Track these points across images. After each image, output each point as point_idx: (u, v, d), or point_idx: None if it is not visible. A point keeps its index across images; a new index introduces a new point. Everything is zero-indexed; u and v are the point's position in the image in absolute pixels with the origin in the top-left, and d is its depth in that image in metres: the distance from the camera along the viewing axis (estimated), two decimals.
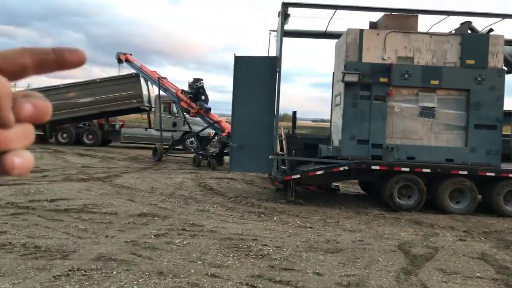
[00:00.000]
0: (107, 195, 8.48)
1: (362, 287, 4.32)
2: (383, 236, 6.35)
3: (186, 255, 5.03)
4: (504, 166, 8.84)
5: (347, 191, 11.11)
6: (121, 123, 22.48)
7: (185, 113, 16.26)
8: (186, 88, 15.67)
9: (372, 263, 5.05)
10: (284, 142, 9.89)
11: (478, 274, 4.83)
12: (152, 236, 5.72)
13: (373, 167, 8.58)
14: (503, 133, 9.10)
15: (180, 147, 17.25)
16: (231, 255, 5.10)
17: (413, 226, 7.17)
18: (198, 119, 16.01)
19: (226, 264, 4.82)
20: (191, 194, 9.19)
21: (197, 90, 15.29)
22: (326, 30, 11.20)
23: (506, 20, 9.34)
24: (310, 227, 6.72)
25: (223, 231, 6.20)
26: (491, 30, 9.36)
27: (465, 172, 8.47)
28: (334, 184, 10.65)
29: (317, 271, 4.71)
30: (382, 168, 8.57)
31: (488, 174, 8.48)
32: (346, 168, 8.65)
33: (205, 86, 15.53)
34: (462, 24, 9.67)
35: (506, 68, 9.67)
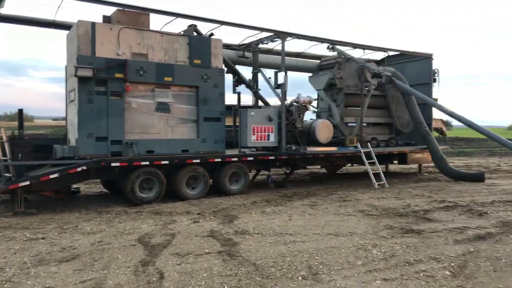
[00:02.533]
0: None
1: None
2: (124, 232, 6.35)
3: None
4: (228, 152, 10.34)
5: (89, 191, 10.55)
6: None
7: None
8: None
9: (111, 262, 4.96)
10: (6, 145, 8.44)
11: (207, 250, 5.45)
12: None
13: (113, 164, 8.45)
14: (226, 124, 10.58)
15: None
16: None
17: (154, 217, 7.47)
18: None
19: None
20: None
21: None
22: (54, 20, 10.22)
23: (224, 27, 10.79)
24: (43, 238, 6.03)
25: None
26: (212, 34, 10.63)
27: (198, 161, 9.45)
28: (74, 186, 9.92)
29: (47, 285, 4.26)
30: (122, 164, 8.54)
31: (216, 160, 9.74)
32: (85, 168, 8.20)
33: None
34: (189, 26, 10.61)
35: (226, 68, 11.27)
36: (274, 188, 11.19)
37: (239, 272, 4.67)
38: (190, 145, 9.64)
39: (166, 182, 9.09)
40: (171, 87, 9.49)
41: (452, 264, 4.91)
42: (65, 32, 9.81)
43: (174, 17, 10.10)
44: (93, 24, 8.65)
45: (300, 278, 4.50)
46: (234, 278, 4.49)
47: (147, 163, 8.80)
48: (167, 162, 9.05)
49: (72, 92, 9.12)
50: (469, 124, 11.76)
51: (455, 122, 14.20)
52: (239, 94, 12.49)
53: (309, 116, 12.53)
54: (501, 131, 70.52)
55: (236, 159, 10.05)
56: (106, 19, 9.56)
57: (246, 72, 12.66)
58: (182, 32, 10.36)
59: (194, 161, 9.40)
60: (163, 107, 9.37)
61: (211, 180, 9.92)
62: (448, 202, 8.77)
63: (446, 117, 14.56)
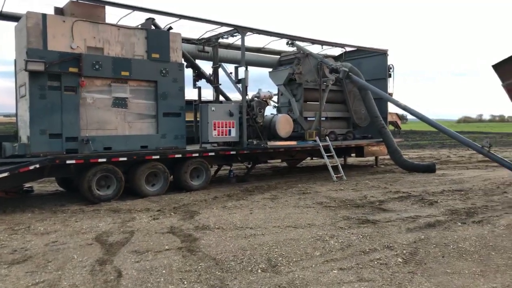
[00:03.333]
0: None
1: None
2: (81, 232, 6.17)
3: None
4: (189, 147, 10.25)
5: (43, 190, 10.14)
6: None
7: None
8: None
9: (66, 263, 4.82)
10: None
11: (166, 247, 5.40)
12: None
13: (68, 162, 8.17)
14: (187, 119, 10.47)
15: None
16: None
17: (112, 215, 7.30)
18: None
19: None
20: None
21: None
22: (1, 10, 9.71)
23: (183, 21, 10.64)
24: None
25: None
26: (170, 28, 10.47)
27: (158, 157, 9.31)
28: (27, 185, 9.50)
29: None
30: (78, 161, 8.28)
31: (177, 156, 9.63)
32: (38, 166, 7.87)
33: None
34: (146, 19, 10.38)
35: (185, 63, 11.14)
36: (236, 182, 11.23)
37: (199, 267, 4.67)
38: (149, 141, 9.47)
39: (125, 179, 8.89)
40: (129, 82, 9.28)
41: (404, 252, 5.15)
42: (14, 23, 9.34)
43: (131, 10, 9.85)
44: (44, 16, 8.30)
45: (259, 270, 4.57)
46: (193, 274, 4.48)
47: (104, 160, 8.56)
48: (125, 158, 8.84)
49: (22, 87, 8.72)
50: (421, 118, 12.27)
51: (410, 116, 14.77)
52: (199, 89, 12.40)
53: (269, 111, 12.66)
54: (451, 124, 74.28)
55: (197, 154, 9.98)
56: (58, 11, 9.20)
57: (206, 66, 12.58)
58: (139, 26, 10.13)
59: (154, 157, 9.24)
60: (120, 103, 9.14)
61: (172, 176, 9.81)
62: (402, 192, 9.16)
63: (401, 111, 15.17)
